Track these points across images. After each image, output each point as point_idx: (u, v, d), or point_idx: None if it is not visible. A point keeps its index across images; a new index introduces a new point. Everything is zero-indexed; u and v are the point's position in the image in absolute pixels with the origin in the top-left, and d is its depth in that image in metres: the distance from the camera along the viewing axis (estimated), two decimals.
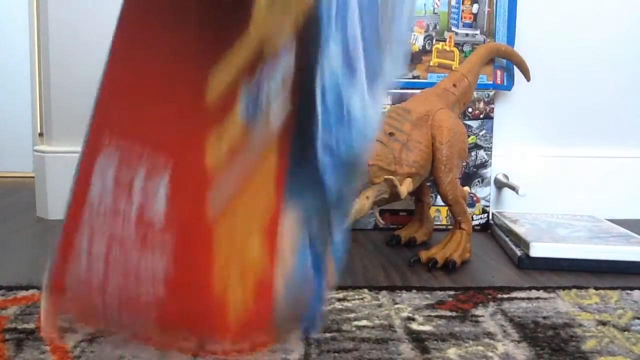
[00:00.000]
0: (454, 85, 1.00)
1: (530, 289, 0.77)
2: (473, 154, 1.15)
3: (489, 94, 1.15)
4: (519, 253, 0.90)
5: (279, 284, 0.42)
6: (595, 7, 1.25)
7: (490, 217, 1.17)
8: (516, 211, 1.21)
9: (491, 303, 0.71)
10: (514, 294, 0.75)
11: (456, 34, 1.14)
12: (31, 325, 0.62)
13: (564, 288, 0.77)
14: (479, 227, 1.16)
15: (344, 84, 0.42)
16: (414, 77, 1.14)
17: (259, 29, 0.42)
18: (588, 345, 0.59)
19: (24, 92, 2.00)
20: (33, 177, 1.26)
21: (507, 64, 1.17)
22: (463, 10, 1.14)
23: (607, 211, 1.23)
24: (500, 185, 1.23)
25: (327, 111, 0.42)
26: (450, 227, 0.99)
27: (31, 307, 0.67)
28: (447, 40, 1.14)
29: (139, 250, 0.41)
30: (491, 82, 1.16)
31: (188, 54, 0.45)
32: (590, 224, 1.06)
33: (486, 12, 1.14)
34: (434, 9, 1.13)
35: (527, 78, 1.17)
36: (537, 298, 0.73)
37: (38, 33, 1.21)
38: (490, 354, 0.57)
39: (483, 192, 1.17)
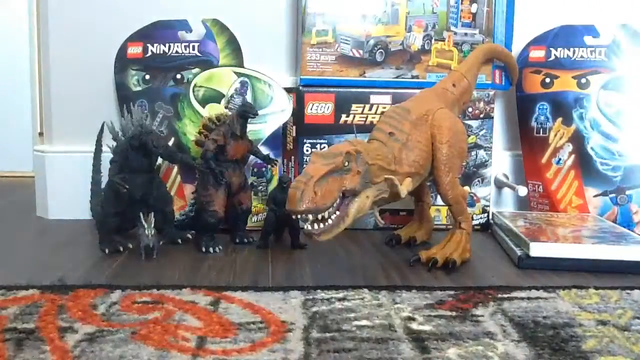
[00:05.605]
0: (454, 85, 1.00)
1: (530, 288, 0.77)
2: (473, 154, 1.15)
3: (489, 94, 1.15)
4: (519, 253, 0.90)
5: None
6: (595, 8, 1.25)
7: (490, 217, 1.17)
8: (516, 211, 1.21)
9: (491, 303, 0.71)
10: (514, 294, 0.75)
11: (455, 33, 1.14)
12: (31, 325, 0.62)
13: (564, 288, 0.77)
14: (479, 227, 1.16)
15: None
16: (413, 77, 1.14)
17: None
18: (588, 344, 0.59)
19: (24, 92, 2.00)
20: (33, 177, 1.26)
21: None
22: (462, 10, 1.14)
23: None
24: (500, 185, 1.23)
25: None
26: (450, 227, 0.99)
27: (31, 307, 0.67)
28: (446, 39, 1.14)
29: None
30: (490, 82, 1.15)
31: None
32: (590, 224, 1.06)
33: (485, 12, 1.14)
34: (433, 8, 1.13)
35: (512, 82, 1.17)
36: (537, 298, 0.73)
37: (38, 33, 1.21)
38: (490, 353, 0.57)
39: (483, 192, 1.16)
